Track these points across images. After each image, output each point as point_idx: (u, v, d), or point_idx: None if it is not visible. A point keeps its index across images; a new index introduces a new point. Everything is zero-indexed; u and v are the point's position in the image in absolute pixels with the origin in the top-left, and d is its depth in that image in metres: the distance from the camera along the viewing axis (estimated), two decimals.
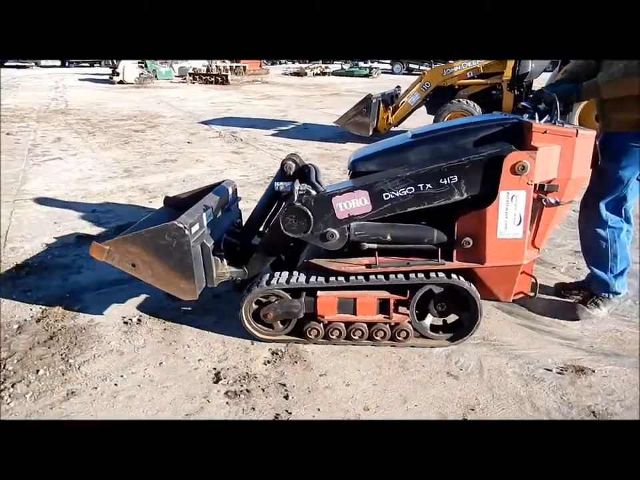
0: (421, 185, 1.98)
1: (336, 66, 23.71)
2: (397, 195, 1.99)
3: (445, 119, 6.62)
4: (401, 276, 2.11)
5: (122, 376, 2.04)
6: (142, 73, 16.10)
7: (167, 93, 13.92)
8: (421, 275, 2.10)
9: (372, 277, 2.12)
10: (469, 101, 6.75)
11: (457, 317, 2.24)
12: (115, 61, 16.21)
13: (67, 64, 26.42)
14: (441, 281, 2.09)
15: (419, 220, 2.12)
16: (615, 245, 2.34)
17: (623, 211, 2.32)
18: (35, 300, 2.66)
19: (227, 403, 1.87)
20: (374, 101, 7.02)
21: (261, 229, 2.51)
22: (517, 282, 2.15)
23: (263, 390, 1.94)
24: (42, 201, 4.34)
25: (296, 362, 2.12)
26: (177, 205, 2.60)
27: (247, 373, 2.04)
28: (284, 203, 2.19)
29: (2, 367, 2.09)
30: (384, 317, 2.14)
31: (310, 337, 2.18)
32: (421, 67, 23.45)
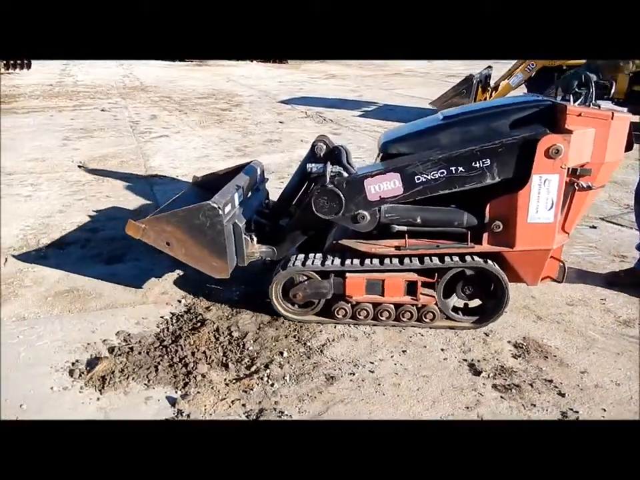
0: (453, 168, 1.97)
1: None
2: (429, 177, 1.99)
3: None
4: (435, 259, 2.12)
5: (372, 362, 2.00)
6: None
7: (231, 71, 13.84)
8: (455, 259, 2.10)
9: (397, 259, 2.15)
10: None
11: (481, 302, 2.24)
12: None
13: None
14: (473, 265, 2.09)
15: (449, 203, 2.12)
16: None
17: None
18: (230, 278, 2.65)
19: (501, 397, 1.81)
20: (474, 82, 6.79)
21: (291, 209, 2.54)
22: (545, 266, 2.11)
23: (531, 385, 1.87)
24: (176, 179, 4.35)
25: (546, 357, 2.04)
26: (205, 185, 2.68)
27: (503, 367, 1.98)
28: (314, 185, 2.23)
29: (242, 346, 2.09)
30: (411, 299, 2.15)
31: (338, 316, 2.21)
32: None
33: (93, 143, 5.52)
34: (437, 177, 1.99)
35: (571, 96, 2.06)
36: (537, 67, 6.70)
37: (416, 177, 2.01)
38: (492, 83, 7.24)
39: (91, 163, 4.76)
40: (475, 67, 8.40)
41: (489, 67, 7.72)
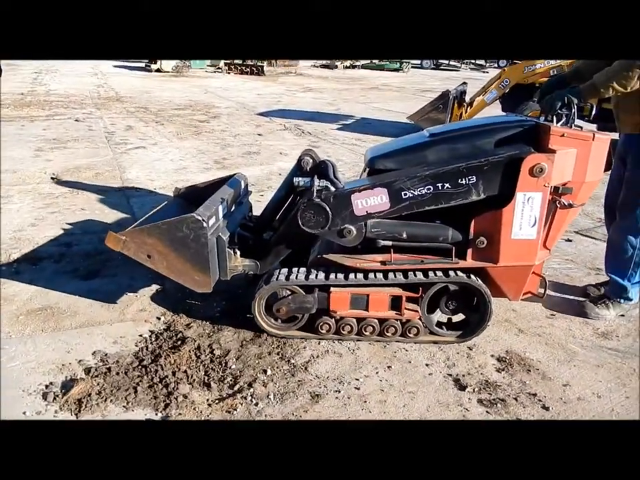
0: (439, 185, 2.00)
1: (365, 60, 23.49)
2: (416, 193, 2.02)
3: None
4: (419, 274, 2.14)
5: (357, 379, 1.98)
6: (178, 62, 15.96)
7: (208, 83, 13.79)
8: (439, 274, 2.12)
9: (381, 274, 2.16)
10: None
11: (465, 316, 2.27)
12: None
13: None
14: (457, 280, 2.12)
15: (434, 219, 2.15)
16: None
17: None
18: (210, 294, 2.61)
19: (487, 412, 1.81)
20: (451, 97, 6.92)
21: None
22: (527, 282, 2.17)
23: (516, 400, 1.88)
24: (154, 192, 4.27)
25: (529, 370, 2.06)
26: (186, 197, 2.65)
27: (487, 381, 1.98)
28: (300, 198, 2.25)
29: (225, 364, 2.05)
30: (396, 314, 2.17)
31: (322, 332, 2.20)
32: (450, 62, 23.31)
33: (66, 154, 5.38)
34: (424, 192, 2.01)
35: (554, 117, 2.10)
36: (511, 84, 6.88)
37: (403, 193, 2.02)
38: (467, 98, 7.39)
39: (65, 174, 4.64)
40: (450, 83, 8.58)
41: (464, 83, 7.90)
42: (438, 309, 2.23)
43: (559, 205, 2.08)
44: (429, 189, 2.00)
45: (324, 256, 2.23)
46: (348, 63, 21.40)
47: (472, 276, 2.13)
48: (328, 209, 2.05)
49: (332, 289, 2.14)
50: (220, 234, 2.17)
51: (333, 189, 2.09)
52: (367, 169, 2.27)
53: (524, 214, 2.01)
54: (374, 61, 22.13)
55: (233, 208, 2.48)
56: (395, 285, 2.15)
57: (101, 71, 15.56)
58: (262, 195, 4.29)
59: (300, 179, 2.19)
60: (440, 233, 2.11)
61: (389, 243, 2.13)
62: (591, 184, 2.10)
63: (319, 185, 2.08)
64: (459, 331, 2.25)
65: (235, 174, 2.73)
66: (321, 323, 2.19)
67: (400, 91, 14.01)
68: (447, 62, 23.32)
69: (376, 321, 2.18)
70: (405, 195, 2.02)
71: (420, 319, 2.18)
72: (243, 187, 2.65)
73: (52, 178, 4.53)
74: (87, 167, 4.90)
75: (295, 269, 2.22)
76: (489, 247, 2.08)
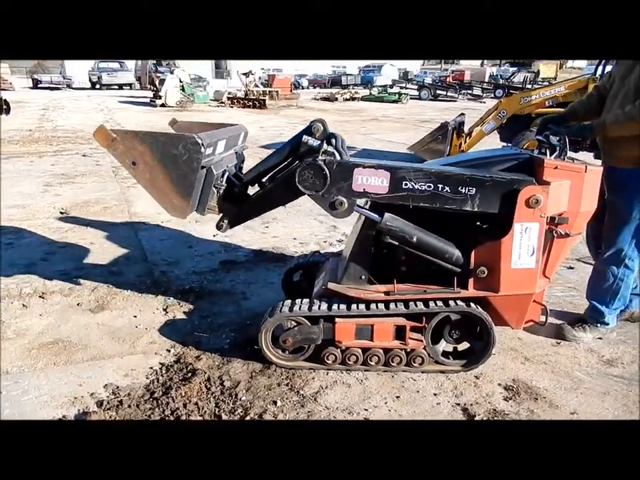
0: (440, 185, 2.03)
1: (365, 91, 24.05)
2: (416, 187, 2.04)
3: (524, 147, 6.66)
4: (420, 303, 2.16)
5: (366, 409, 2.00)
6: (182, 97, 16.36)
7: (212, 117, 14.11)
8: (440, 303, 2.15)
9: (384, 304, 2.19)
10: None
11: (469, 345, 2.30)
12: (157, 85, 16.53)
13: (96, 86, 26.99)
14: (457, 309, 2.15)
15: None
16: (622, 283, 2.45)
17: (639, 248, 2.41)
18: (219, 325, 2.65)
19: None
20: (449, 128, 7.08)
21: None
22: (529, 310, 2.21)
23: None
24: (162, 225, 4.35)
25: (536, 399, 2.08)
26: (181, 131, 2.50)
27: (495, 410, 1.99)
28: (304, 159, 2.14)
29: (235, 396, 2.07)
30: (400, 343, 2.19)
31: (327, 362, 2.22)
32: (448, 94, 23.81)
33: (75, 189, 5.51)
34: (424, 189, 2.04)
35: (547, 149, 2.19)
36: (507, 115, 7.06)
37: (404, 182, 2.04)
38: (466, 129, 7.56)
39: (74, 209, 4.74)
40: (448, 114, 8.78)
41: (462, 114, 8.09)
42: (443, 339, 2.26)
43: (555, 235, 2.15)
44: (429, 186, 2.03)
45: (328, 287, 2.27)
46: (348, 95, 21.91)
47: (472, 304, 2.17)
48: (328, 174, 2.04)
49: (337, 319, 2.18)
50: (212, 167, 2.10)
51: (338, 157, 2.08)
52: (368, 201, 2.33)
53: (522, 244, 2.07)
54: (373, 93, 22.65)
55: (230, 152, 2.41)
56: (399, 315, 2.19)
57: (107, 106, 15.95)
58: (267, 227, 4.37)
59: (310, 138, 2.14)
60: (448, 249, 2.15)
61: (396, 242, 2.14)
62: (585, 214, 2.17)
63: (327, 149, 2.07)
64: (464, 359, 2.28)
65: (237, 124, 2.66)
66: (327, 354, 2.22)
67: (399, 121, 14.29)
68: (444, 93, 23.82)
69: (381, 350, 2.21)
70: (406, 185, 2.04)
71: (424, 348, 2.21)
72: (242, 137, 2.59)
73: (61, 212, 4.62)
74: (95, 201, 5.01)
75: (298, 300, 2.26)
76: (490, 276, 2.13)
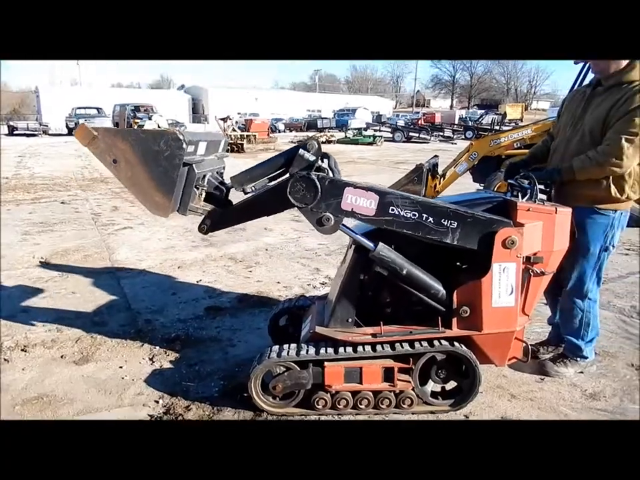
0: (424, 215, 2.11)
1: (340, 134, 24.71)
2: (402, 213, 2.11)
3: (496, 188, 6.93)
4: (406, 345, 2.22)
5: None
6: None
7: None
8: (425, 344, 2.21)
9: (370, 346, 2.24)
10: None
11: (456, 384, 2.34)
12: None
13: (72, 132, 27.01)
14: (442, 349, 2.22)
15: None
16: (590, 315, 2.56)
17: (598, 281, 2.54)
18: (207, 374, 2.64)
19: None
20: (424, 170, 7.33)
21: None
22: (511, 347, 2.29)
23: None
24: (144, 272, 4.34)
25: None
26: None
27: None
28: (297, 172, 2.13)
29: None
30: (389, 385, 2.23)
31: (318, 407, 2.24)
32: (420, 135, 24.66)
33: (54, 237, 5.46)
34: (408, 216, 2.11)
35: (519, 192, 2.32)
36: (479, 157, 7.38)
37: (391, 207, 2.11)
38: (440, 170, 7.83)
39: (53, 257, 4.69)
40: (421, 155, 9.08)
41: (436, 155, 8.35)
42: (430, 380, 2.30)
43: (532, 273, 2.25)
44: (414, 215, 2.10)
45: (316, 330, 2.31)
46: (324, 138, 22.45)
47: (456, 344, 2.23)
48: (319, 190, 2.08)
49: (326, 363, 2.21)
50: (193, 165, 2.10)
51: (331, 175, 2.14)
52: (353, 246, 2.39)
53: (501, 283, 2.16)
54: (348, 136, 23.29)
55: (211, 157, 2.38)
56: (386, 356, 2.23)
57: (84, 152, 15.93)
58: (250, 271, 4.39)
59: (305, 152, 2.14)
60: (434, 285, 2.22)
61: (385, 272, 2.20)
62: (559, 252, 2.29)
63: (320, 165, 2.12)
64: (452, 399, 2.32)
65: (218, 132, 2.68)
66: (317, 399, 2.23)
67: (375, 163, 14.68)
68: (417, 135, 24.67)
69: (371, 393, 2.24)
70: (392, 210, 2.11)
71: (413, 389, 2.25)
72: (222, 144, 2.59)
73: (40, 262, 4.57)
74: (76, 249, 4.97)
75: (285, 346, 2.29)
76: (472, 315, 2.21)
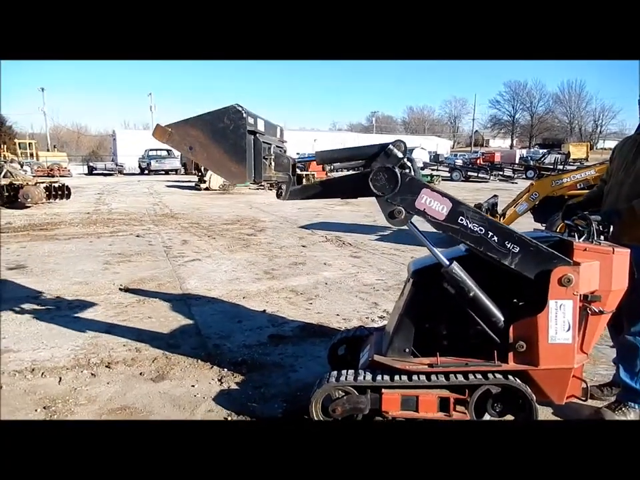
0: (490, 233, 2.18)
1: None
2: (469, 225, 2.18)
3: (558, 229, 6.80)
4: (460, 376, 2.26)
5: None
6: (225, 181, 17.44)
7: (252, 199, 14.95)
8: (479, 376, 2.25)
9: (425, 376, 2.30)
10: None
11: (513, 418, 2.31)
12: (202, 170, 17.77)
13: (144, 171, 29.10)
14: (495, 382, 2.25)
15: None
16: None
17: None
18: (271, 396, 2.80)
19: None
20: (483, 209, 7.34)
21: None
22: (569, 385, 2.24)
23: None
24: (212, 300, 4.64)
25: None
26: None
27: None
28: (378, 165, 2.23)
29: None
30: (445, 415, 2.26)
31: None
32: (479, 175, 24.42)
33: (131, 267, 5.94)
34: (475, 229, 2.19)
35: (575, 233, 2.40)
36: (540, 197, 7.29)
37: (460, 217, 2.19)
38: (499, 209, 7.80)
39: (131, 285, 5.12)
40: (480, 195, 9.06)
41: (495, 195, 8.39)
42: (487, 412, 2.34)
43: (590, 312, 2.28)
44: (480, 230, 2.18)
45: (375, 359, 2.42)
46: None
47: (509, 376, 2.26)
48: (399, 184, 2.17)
49: (383, 390, 2.31)
50: (257, 136, 2.21)
51: (412, 174, 2.25)
52: (411, 280, 2.53)
53: (558, 320, 2.20)
54: None
55: (272, 137, 2.49)
56: (441, 386, 2.30)
57: (155, 190, 17.16)
58: (311, 303, 4.58)
59: (394, 148, 2.24)
60: (496, 314, 2.29)
61: (453, 290, 2.29)
62: (617, 292, 2.30)
63: (405, 163, 2.23)
64: None
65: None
66: None
67: None
68: (475, 174, 24.46)
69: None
70: (461, 220, 2.19)
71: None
72: (279, 131, 2.68)
73: (120, 289, 4.99)
74: (150, 279, 5.39)
75: (344, 371, 2.41)
76: (529, 350, 2.24)
